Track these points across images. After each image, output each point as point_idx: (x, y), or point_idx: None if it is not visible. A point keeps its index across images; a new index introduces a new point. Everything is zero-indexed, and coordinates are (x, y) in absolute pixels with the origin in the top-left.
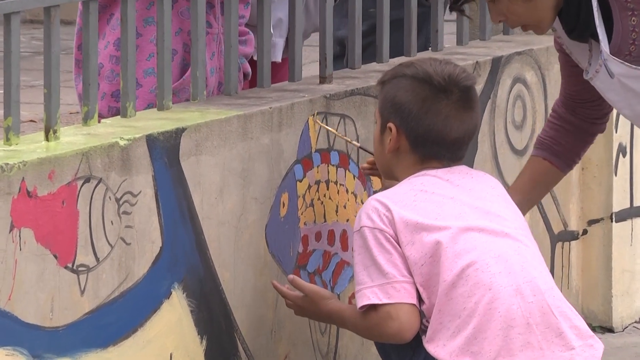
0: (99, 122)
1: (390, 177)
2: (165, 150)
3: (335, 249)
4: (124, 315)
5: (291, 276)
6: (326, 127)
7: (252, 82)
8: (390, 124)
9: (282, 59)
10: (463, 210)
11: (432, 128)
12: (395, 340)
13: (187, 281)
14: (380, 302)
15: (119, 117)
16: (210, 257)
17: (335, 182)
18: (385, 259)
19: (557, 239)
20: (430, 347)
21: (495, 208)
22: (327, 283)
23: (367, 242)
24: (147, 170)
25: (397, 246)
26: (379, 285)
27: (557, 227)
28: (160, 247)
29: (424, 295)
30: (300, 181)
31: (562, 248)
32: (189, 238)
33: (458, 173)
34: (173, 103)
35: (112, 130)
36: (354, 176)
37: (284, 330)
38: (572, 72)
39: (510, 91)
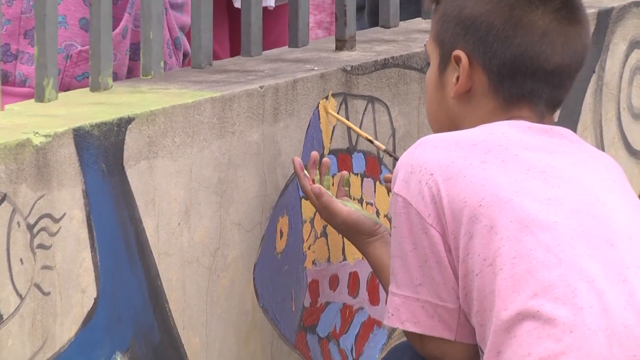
0: (2, 109)
1: None
2: (102, 152)
3: (359, 301)
4: None
5: (317, 187)
6: (336, 115)
7: (234, 47)
8: (459, 52)
9: (276, 5)
10: (555, 195)
11: (525, 50)
12: None
13: (136, 350)
14: (402, 327)
15: (32, 101)
16: (170, 313)
17: (360, 200)
18: (419, 261)
19: None
20: None
21: (605, 200)
22: (347, 353)
23: (399, 220)
24: (75, 182)
25: (441, 248)
26: (404, 298)
27: None
28: (95, 299)
29: (475, 321)
30: (307, 199)
31: None
32: (138, 285)
33: (559, 137)
34: (115, 81)
35: (21, 122)
36: (389, 192)
37: None
38: None
39: (626, 61)
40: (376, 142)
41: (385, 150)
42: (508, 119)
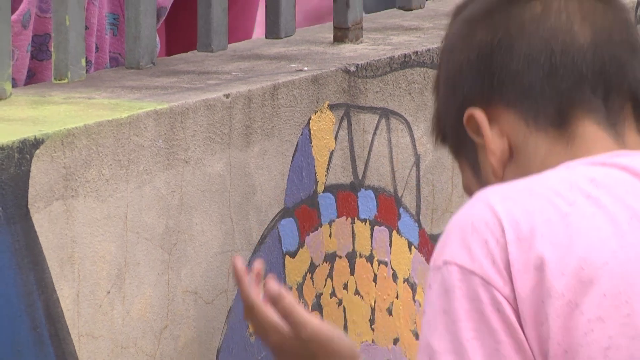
0: None
1: None
2: None
3: None
4: None
5: (275, 287)
6: None
7: (188, 39)
8: (471, 111)
9: None
10: None
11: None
12: None
13: None
14: None
15: None
16: None
17: (370, 258)
18: (485, 353)
19: None
20: None
21: None
22: None
23: (451, 299)
24: None
25: (520, 331)
26: None
27: None
28: None
29: None
30: (293, 256)
31: None
32: None
33: None
34: (13, 87)
35: None
36: (410, 244)
37: None
38: None
39: None
40: None
41: None
42: (572, 147)
